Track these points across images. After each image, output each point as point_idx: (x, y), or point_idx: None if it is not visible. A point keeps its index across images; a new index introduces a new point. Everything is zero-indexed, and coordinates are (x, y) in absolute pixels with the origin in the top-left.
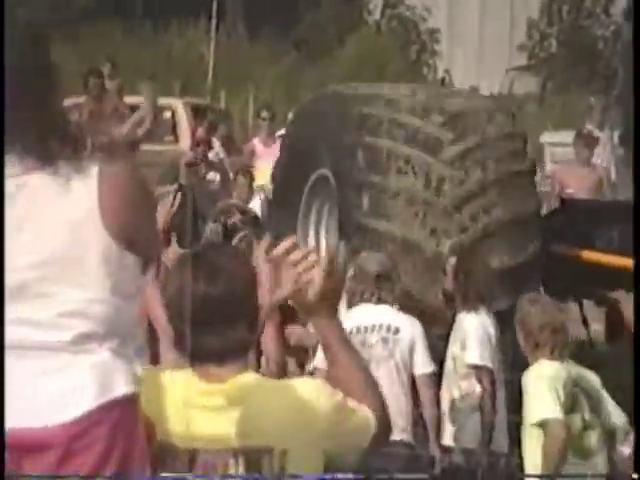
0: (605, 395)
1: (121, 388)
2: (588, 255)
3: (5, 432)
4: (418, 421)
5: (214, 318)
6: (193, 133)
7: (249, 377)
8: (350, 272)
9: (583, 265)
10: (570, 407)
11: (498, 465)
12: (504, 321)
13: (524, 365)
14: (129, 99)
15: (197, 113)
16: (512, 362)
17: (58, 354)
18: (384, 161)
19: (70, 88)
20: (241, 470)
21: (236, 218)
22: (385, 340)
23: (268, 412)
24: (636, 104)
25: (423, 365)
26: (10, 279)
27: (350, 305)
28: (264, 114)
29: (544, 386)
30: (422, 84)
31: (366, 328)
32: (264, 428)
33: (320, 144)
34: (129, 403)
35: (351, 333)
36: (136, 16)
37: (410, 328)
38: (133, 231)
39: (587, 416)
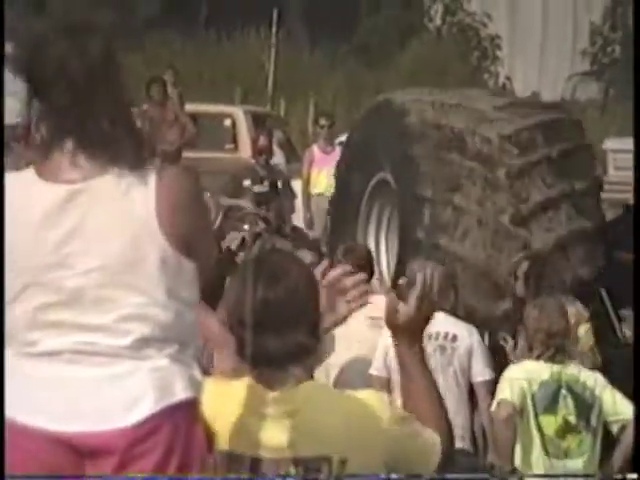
0: (606, 399)
1: (180, 393)
2: None
3: (5, 432)
4: (478, 430)
5: (275, 323)
6: (254, 141)
7: (312, 385)
8: (403, 280)
9: None
10: (548, 407)
11: None
12: None
13: None
14: (190, 106)
15: (257, 121)
16: None
17: (118, 359)
18: (446, 175)
19: (134, 96)
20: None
21: (260, 227)
22: (443, 348)
23: (330, 420)
24: (636, 103)
25: (482, 373)
26: (68, 284)
27: None
28: (322, 121)
29: (505, 379)
30: (485, 90)
31: (429, 336)
32: (325, 436)
33: (381, 149)
34: (189, 408)
35: None
36: (199, 24)
37: (467, 335)
38: (189, 237)
39: (572, 419)
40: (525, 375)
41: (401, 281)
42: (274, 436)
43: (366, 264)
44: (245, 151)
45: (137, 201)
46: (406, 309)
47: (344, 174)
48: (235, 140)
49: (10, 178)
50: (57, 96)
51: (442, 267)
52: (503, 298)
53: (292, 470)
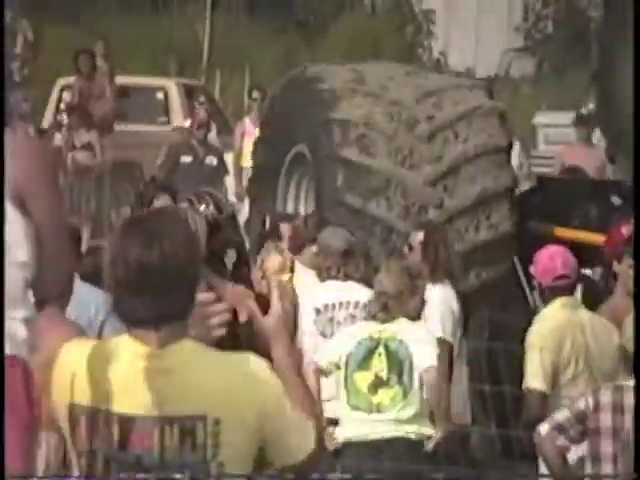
0: (415, 351)
1: None
2: (563, 232)
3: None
4: None
5: (149, 285)
6: (192, 115)
7: (188, 344)
8: (314, 248)
9: (558, 242)
10: (362, 364)
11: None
12: (478, 295)
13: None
14: (121, 79)
15: (190, 94)
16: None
17: None
18: (357, 137)
19: (67, 68)
20: (175, 438)
21: (210, 209)
22: (353, 317)
23: (205, 379)
24: (636, 102)
25: None
26: None
27: (319, 281)
28: (255, 94)
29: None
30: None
31: (334, 305)
32: (200, 395)
33: (297, 121)
34: (6, 364)
35: (319, 311)
36: None
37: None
38: (25, 194)
39: (383, 374)
40: (350, 335)
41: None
42: (148, 393)
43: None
44: (178, 123)
45: None
46: (275, 310)
47: (262, 149)
48: (167, 113)
49: None
50: None
51: (344, 230)
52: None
53: (167, 429)
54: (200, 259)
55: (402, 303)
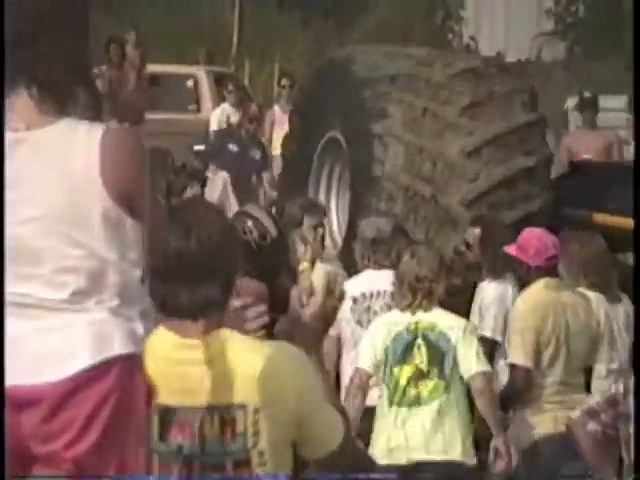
0: (462, 350)
1: (119, 347)
2: (599, 217)
3: (5, 432)
4: None
5: (186, 274)
6: (245, 110)
7: (226, 333)
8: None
9: (594, 228)
10: (401, 358)
11: None
12: None
13: None
14: (151, 67)
15: (220, 82)
16: None
17: (55, 312)
18: (396, 118)
19: (98, 56)
20: (216, 428)
21: (249, 225)
22: (389, 307)
23: (244, 368)
24: (636, 97)
25: None
26: (8, 234)
27: (359, 271)
28: (284, 82)
29: (366, 336)
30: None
31: (372, 294)
32: (239, 384)
33: (330, 105)
34: (127, 362)
35: (356, 301)
36: None
37: None
38: (132, 194)
39: (423, 367)
40: (384, 328)
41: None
42: (187, 383)
43: (322, 222)
44: (207, 112)
45: (80, 155)
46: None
47: (294, 134)
48: (198, 101)
49: None
50: (15, 32)
51: (381, 219)
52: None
53: (207, 418)
54: (238, 249)
55: (435, 291)
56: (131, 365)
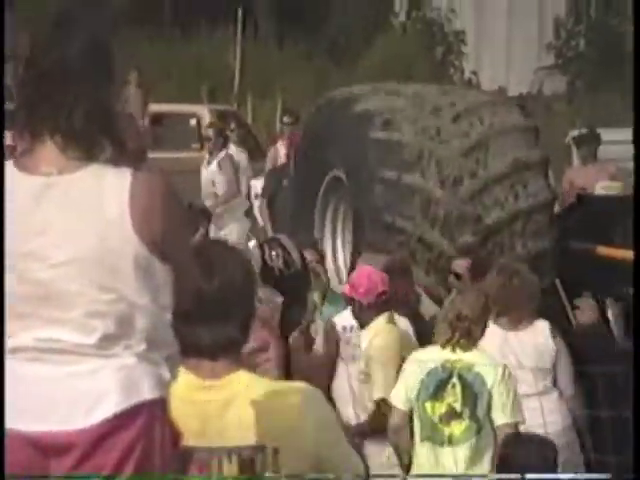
0: (497, 395)
1: (147, 393)
2: (605, 251)
3: (5, 432)
4: None
5: (206, 315)
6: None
7: (244, 375)
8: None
9: (601, 261)
10: (434, 394)
11: None
12: None
13: None
14: (154, 106)
15: (223, 120)
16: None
17: (83, 357)
18: (395, 156)
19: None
20: (235, 469)
21: (277, 252)
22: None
23: (262, 410)
24: (635, 104)
25: None
26: (40, 276)
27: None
28: (286, 119)
29: (404, 370)
30: (428, 84)
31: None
32: (258, 425)
33: (332, 144)
34: (155, 408)
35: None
36: (164, 22)
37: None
38: (163, 240)
39: (457, 406)
40: (420, 363)
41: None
42: (206, 424)
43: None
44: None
45: (111, 200)
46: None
47: (298, 172)
48: (201, 139)
49: None
50: (37, 82)
51: (381, 256)
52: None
53: (225, 460)
54: (256, 290)
55: (476, 330)
56: (158, 410)
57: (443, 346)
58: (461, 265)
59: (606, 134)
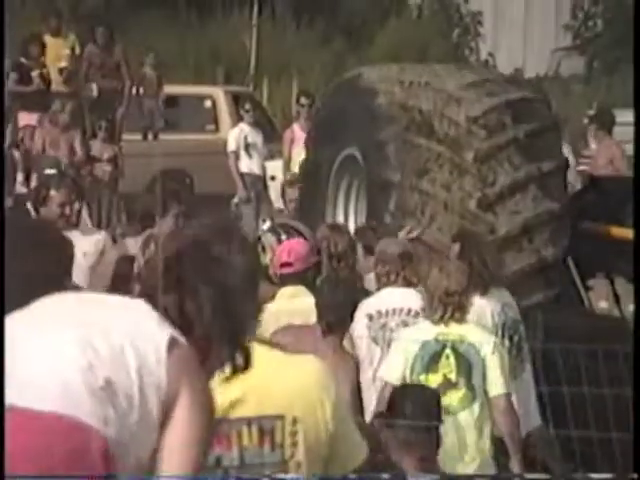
0: (490, 367)
1: None
2: (618, 231)
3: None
4: None
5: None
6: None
7: (258, 346)
8: (372, 259)
9: (613, 242)
10: (428, 366)
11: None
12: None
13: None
14: (170, 88)
15: (239, 101)
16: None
17: None
18: (414, 159)
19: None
20: (254, 439)
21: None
22: (405, 323)
23: (279, 379)
24: (635, 99)
25: None
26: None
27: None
28: (303, 100)
29: (396, 346)
30: (456, 65)
31: (387, 312)
32: (277, 395)
33: (349, 126)
34: None
35: (372, 318)
36: (180, 4)
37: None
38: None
39: (452, 376)
40: (412, 339)
41: None
42: (227, 395)
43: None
44: (225, 131)
45: (149, 349)
46: None
47: (312, 149)
48: (216, 121)
49: None
50: None
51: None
52: None
53: (245, 430)
54: (260, 269)
55: (466, 301)
56: None
57: (436, 322)
58: (453, 250)
59: (623, 115)
